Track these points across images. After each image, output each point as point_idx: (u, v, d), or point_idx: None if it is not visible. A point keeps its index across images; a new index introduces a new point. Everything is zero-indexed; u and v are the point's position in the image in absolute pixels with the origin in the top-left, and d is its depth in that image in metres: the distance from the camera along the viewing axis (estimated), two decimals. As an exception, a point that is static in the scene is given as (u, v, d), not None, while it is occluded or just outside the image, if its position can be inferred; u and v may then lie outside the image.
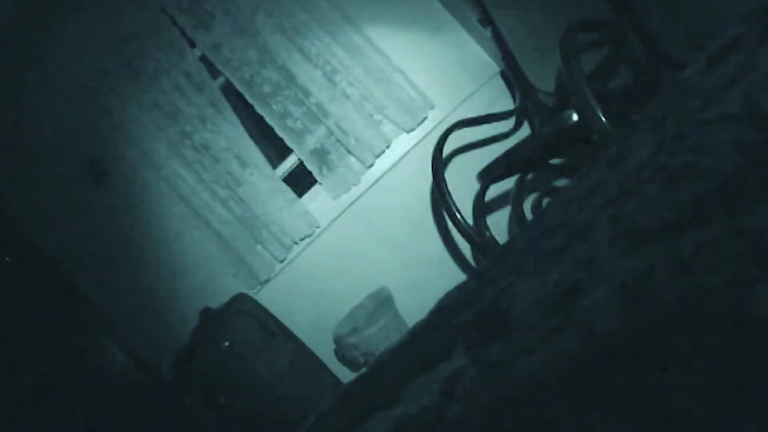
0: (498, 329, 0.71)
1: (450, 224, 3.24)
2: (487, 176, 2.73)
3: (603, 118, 1.53)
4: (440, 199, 2.63)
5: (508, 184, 3.03)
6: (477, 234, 2.61)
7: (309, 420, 1.03)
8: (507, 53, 2.99)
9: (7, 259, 3.16)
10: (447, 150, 3.36)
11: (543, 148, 2.39)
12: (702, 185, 0.63)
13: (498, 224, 3.34)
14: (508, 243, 0.89)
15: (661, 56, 1.84)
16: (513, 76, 3.22)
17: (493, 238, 2.65)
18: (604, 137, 1.52)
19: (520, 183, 2.83)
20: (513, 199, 2.81)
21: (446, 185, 2.64)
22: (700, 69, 0.89)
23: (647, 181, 0.70)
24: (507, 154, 2.61)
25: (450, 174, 3.35)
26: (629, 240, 0.66)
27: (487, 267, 0.87)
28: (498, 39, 3.06)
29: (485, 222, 2.77)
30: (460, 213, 2.56)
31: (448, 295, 0.92)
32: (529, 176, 2.91)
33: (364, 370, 1.00)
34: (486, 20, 3.14)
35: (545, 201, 2.97)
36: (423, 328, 0.92)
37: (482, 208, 2.84)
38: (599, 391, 0.57)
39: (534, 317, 0.70)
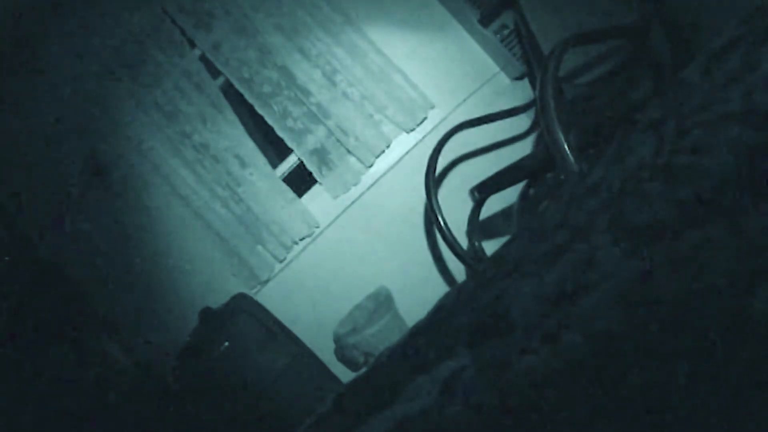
0: (498, 329, 0.71)
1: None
2: (482, 192, 2.69)
3: (571, 160, 1.50)
4: (430, 212, 2.60)
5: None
6: (469, 253, 2.58)
7: (308, 420, 1.03)
8: (533, 44, 2.93)
9: (6, 258, 3.16)
10: (453, 148, 3.36)
11: (542, 166, 2.35)
12: (702, 185, 0.63)
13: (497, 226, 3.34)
14: (508, 243, 0.89)
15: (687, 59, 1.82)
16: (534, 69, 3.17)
17: (483, 253, 2.63)
18: (568, 177, 1.49)
19: (523, 196, 2.80)
20: (517, 212, 2.78)
21: (437, 199, 2.61)
22: (700, 69, 0.89)
23: (647, 180, 0.70)
24: (504, 172, 2.57)
25: (452, 175, 3.36)
26: (629, 240, 0.66)
27: (487, 267, 0.87)
28: (524, 28, 3.00)
29: (480, 240, 2.75)
30: (447, 226, 2.53)
31: (448, 295, 0.91)
32: (532, 191, 2.87)
33: (363, 370, 1.00)
34: (506, 6, 3.09)
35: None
36: (423, 328, 0.91)
37: (476, 220, 2.81)
38: (599, 391, 0.57)
39: (534, 317, 0.70)
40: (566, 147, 1.50)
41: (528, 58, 3.20)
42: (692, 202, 0.62)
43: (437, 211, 2.52)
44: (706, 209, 0.60)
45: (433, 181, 2.64)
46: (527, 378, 0.66)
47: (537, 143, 3.35)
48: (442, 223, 2.49)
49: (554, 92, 1.61)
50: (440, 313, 0.91)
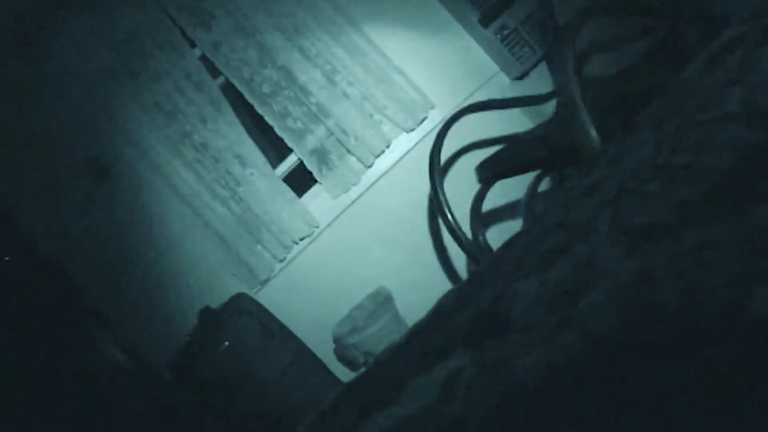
0: (498, 329, 0.71)
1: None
2: (488, 171, 2.46)
3: (593, 134, 1.43)
4: (433, 195, 2.33)
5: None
6: (471, 241, 2.36)
7: (308, 419, 1.03)
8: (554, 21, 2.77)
9: (6, 258, 3.15)
10: (459, 141, 3.31)
11: (559, 138, 2.04)
12: (702, 185, 0.63)
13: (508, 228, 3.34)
14: (508, 243, 0.89)
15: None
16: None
17: (487, 246, 2.45)
18: (590, 154, 1.43)
19: (534, 185, 2.64)
20: (525, 203, 2.62)
21: (441, 181, 2.36)
22: (700, 69, 0.89)
23: (647, 180, 0.70)
24: (516, 144, 2.36)
25: (457, 169, 3.34)
26: (629, 240, 0.66)
27: (486, 267, 0.87)
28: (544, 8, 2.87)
29: (482, 227, 2.58)
30: (452, 214, 2.25)
31: (448, 295, 0.92)
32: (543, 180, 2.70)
33: (363, 369, 1.00)
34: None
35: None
36: (423, 328, 0.92)
37: (480, 210, 2.61)
38: (598, 391, 0.57)
39: (534, 317, 0.70)
40: (584, 108, 1.43)
41: (547, 38, 3.08)
42: (692, 201, 0.62)
43: (442, 199, 2.25)
44: (706, 209, 0.60)
45: (438, 166, 2.41)
46: (527, 378, 0.66)
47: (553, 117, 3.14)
48: (447, 211, 2.23)
49: (574, 62, 1.57)
50: (440, 312, 0.91)
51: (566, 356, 0.61)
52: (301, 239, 3.48)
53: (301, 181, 3.60)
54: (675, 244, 0.60)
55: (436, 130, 3.29)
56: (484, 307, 0.75)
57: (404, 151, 3.43)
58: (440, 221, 3.43)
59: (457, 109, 2.81)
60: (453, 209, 2.37)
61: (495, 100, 2.98)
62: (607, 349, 0.59)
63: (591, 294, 0.64)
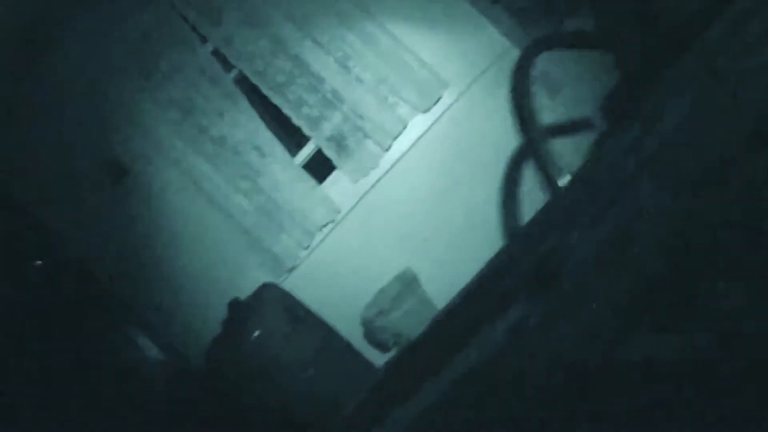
0: (555, 280, 0.74)
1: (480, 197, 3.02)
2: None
3: None
4: (529, 138, 1.74)
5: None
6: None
7: (366, 386, 1.06)
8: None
9: (39, 263, 3.21)
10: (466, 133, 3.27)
11: None
12: (742, 127, 0.65)
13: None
14: (559, 194, 0.91)
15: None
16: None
17: None
18: None
19: None
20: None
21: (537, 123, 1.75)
22: (724, 30, 0.91)
23: (687, 129, 0.72)
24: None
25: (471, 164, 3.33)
26: (674, 188, 0.68)
27: (534, 224, 0.90)
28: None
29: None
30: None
31: (500, 255, 0.94)
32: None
33: (394, 351, 1.02)
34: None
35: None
36: (471, 292, 0.94)
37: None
38: (657, 321, 0.60)
39: (586, 272, 0.73)
40: None
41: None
42: (737, 141, 0.65)
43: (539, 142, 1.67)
44: (753, 144, 0.63)
45: (530, 105, 1.79)
46: (582, 327, 0.69)
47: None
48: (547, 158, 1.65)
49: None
50: (487, 277, 0.94)
51: (624, 297, 0.64)
52: (324, 225, 3.50)
53: (320, 168, 3.62)
54: (721, 187, 0.63)
55: (453, 109, 3.32)
56: (541, 258, 0.78)
57: (421, 131, 3.43)
58: (464, 199, 3.42)
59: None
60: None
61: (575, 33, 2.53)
62: (658, 287, 0.62)
63: (640, 240, 0.67)
